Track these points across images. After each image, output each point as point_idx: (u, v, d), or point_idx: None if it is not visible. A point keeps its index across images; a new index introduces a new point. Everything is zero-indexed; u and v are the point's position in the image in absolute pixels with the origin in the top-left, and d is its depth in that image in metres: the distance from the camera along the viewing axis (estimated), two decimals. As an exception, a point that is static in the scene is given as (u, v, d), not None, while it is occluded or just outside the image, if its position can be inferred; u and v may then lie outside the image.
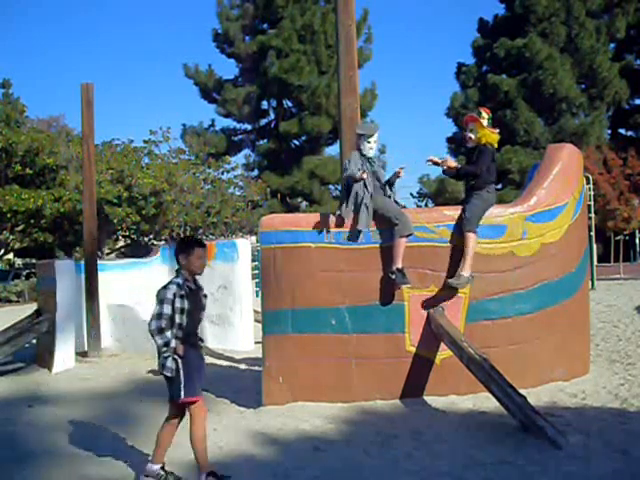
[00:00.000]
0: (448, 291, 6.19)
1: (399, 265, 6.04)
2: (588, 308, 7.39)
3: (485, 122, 6.40)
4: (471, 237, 6.09)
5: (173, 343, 4.16)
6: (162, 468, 4.41)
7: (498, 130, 6.53)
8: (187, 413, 4.36)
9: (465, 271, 6.05)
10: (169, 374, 4.17)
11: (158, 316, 4.16)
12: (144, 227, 24.97)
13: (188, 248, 4.36)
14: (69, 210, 22.90)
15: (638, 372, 6.89)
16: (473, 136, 6.41)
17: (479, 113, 6.46)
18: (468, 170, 6.39)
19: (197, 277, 4.48)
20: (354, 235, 6.20)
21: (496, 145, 6.54)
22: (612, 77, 33.86)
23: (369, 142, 6.28)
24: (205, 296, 4.58)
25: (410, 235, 6.06)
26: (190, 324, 4.29)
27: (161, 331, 4.14)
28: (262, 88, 33.92)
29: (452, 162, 6.56)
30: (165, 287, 4.25)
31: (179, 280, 4.29)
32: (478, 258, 6.19)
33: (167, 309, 4.16)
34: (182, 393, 4.19)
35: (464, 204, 6.29)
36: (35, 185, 24.43)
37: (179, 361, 4.18)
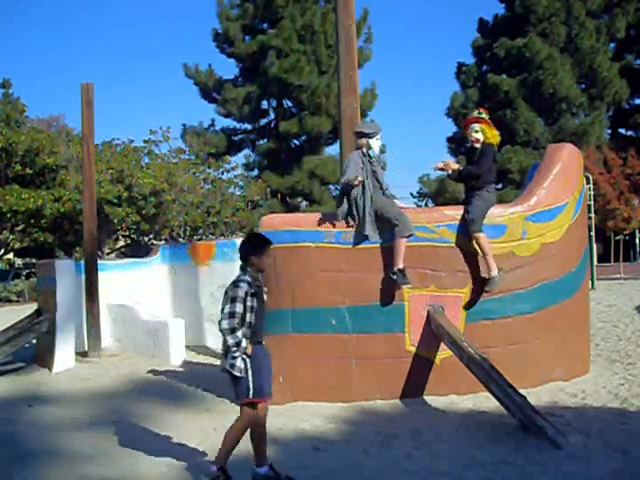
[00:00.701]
0: (449, 291, 6.20)
1: (400, 266, 6.04)
2: (588, 308, 7.39)
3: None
4: (481, 237, 6.11)
5: (244, 343, 4.10)
6: (220, 469, 4.30)
7: (498, 132, 6.55)
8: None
9: (493, 271, 6.08)
10: (238, 374, 4.11)
11: (231, 315, 4.08)
12: (144, 227, 24.95)
13: (261, 247, 4.31)
14: (69, 210, 22.89)
15: (638, 372, 6.89)
16: (481, 137, 6.40)
17: (481, 114, 6.45)
18: (470, 171, 6.38)
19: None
20: (360, 239, 6.20)
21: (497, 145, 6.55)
22: (612, 77, 33.83)
23: (378, 139, 6.31)
24: (266, 293, 4.49)
25: (411, 236, 6.07)
26: (257, 322, 4.24)
27: (233, 330, 4.08)
28: (262, 88, 33.88)
29: (454, 164, 6.56)
30: (236, 285, 4.16)
31: (248, 278, 4.21)
32: (479, 258, 6.20)
33: (239, 308, 4.09)
34: (250, 393, 4.13)
35: (465, 205, 6.29)
36: (35, 185, 24.41)
37: (247, 361, 4.13)
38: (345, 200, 6.26)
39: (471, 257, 6.26)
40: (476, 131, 6.41)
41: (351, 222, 6.22)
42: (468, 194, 6.36)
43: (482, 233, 6.11)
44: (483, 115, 6.43)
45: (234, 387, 4.23)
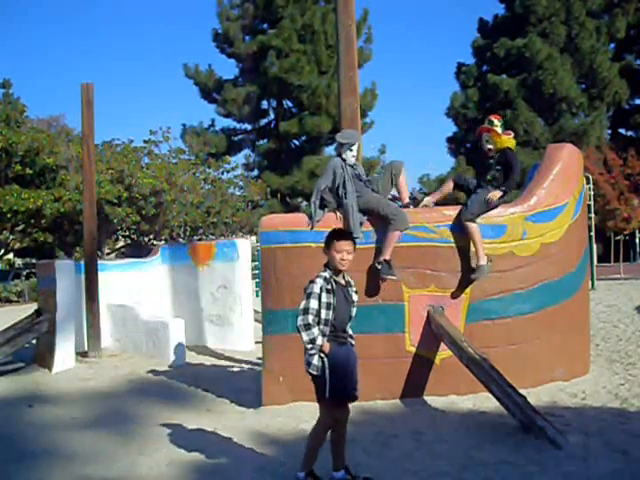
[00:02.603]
0: (449, 291, 6.20)
1: (387, 256, 6.01)
2: (588, 308, 7.39)
3: (499, 129, 6.41)
4: (471, 226, 6.08)
5: (319, 340, 3.97)
6: (308, 474, 4.23)
7: (513, 134, 6.53)
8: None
9: (481, 260, 6.07)
10: (314, 372, 4.00)
11: (304, 311, 3.97)
12: (144, 227, 24.95)
13: (328, 241, 4.19)
14: (69, 210, 22.89)
15: (638, 372, 6.89)
16: (492, 146, 6.40)
17: (491, 122, 6.45)
18: (512, 185, 6.31)
19: (344, 271, 4.24)
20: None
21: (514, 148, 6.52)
22: (612, 77, 33.85)
23: (351, 150, 6.27)
24: (356, 292, 4.35)
25: (406, 229, 6.05)
26: (337, 320, 4.09)
27: (308, 327, 3.94)
28: (262, 88, 33.89)
29: (497, 193, 6.27)
30: (312, 281, 4.07)
31: (325, 274, 4.09)
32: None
33: (314, 304, 3.97)
34: (327, 393, 3.99)
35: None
36: (35, 185, 24.41)
37: (325, 359, 4.00)
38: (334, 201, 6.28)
39: (471, 257, 6.25)
40: (486, 141, 6.41)
41: (317, 223, 6.18)
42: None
43: (474, 223, 6.07)
44: (494, 122, 6.42)
45: (315, 388, 4.11)
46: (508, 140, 6.41)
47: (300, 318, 3.97)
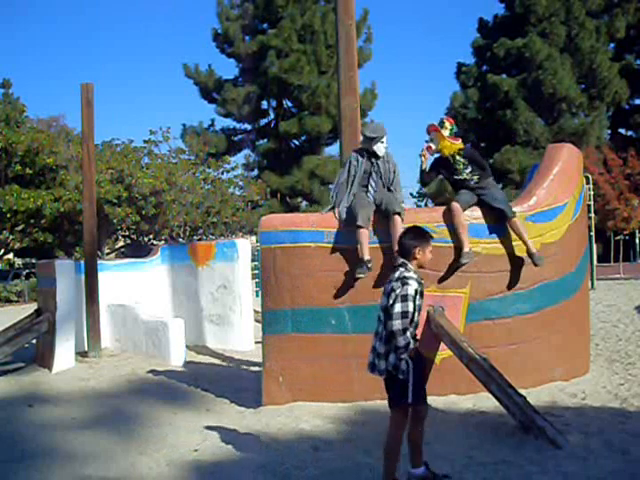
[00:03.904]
0: (449, 291, 6.20)
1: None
2: (588, 308, 7.39)
3: (447, 132, 6.37)
4: (454, 206, 6.14)
5: (412, 344, 3.92)
6: (427, 467, 4.18)
7: (460, 140, 6.50)
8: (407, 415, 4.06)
9: (466, 247, 6.11)
10: (402, 376, 3.92)
11: (404, 315, 3.85)
12: (144, 227, 24.96)
13: (427, 240, 4.13)
14: (69, 210, 22.89)
15: (638, 372, 6.89)
16: (434, 146, 6.43)
17: (441, 123, 6.43)
18: (491, 182, 6.45)
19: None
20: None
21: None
22: (612, 77, 33.84)
23: (382, 142, 6.35)
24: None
25: (399, 213, 6.06)
26: (418, 322, 4.04)
27: (405, 331, 3.86)
28: (262, 88, 33.90)
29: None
30: (405, 283, 3.92)
31: (415, 275, 3.99)
32: (479, 258, 6.19)
33: (411, 307, 3.88)
34: (409, 397, 3.94)
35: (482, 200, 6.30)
36: (35, 185, 24.40)
37: (410, 363, 3.94)
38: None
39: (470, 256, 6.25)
40: (431, 139, 6.44)
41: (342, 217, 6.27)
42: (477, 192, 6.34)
43: (456, 202, 6.16)
44: (445, 125, 6.39)
45: (391, 390, 4.05)
46: (451, 146, 6.36)
47: (399, 322, 3.85)
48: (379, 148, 6.34)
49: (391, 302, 3.92)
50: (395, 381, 3.97)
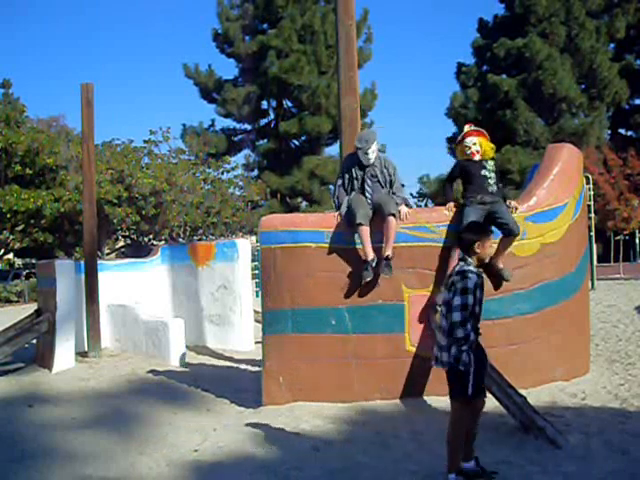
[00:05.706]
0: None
1: (389, 253, 6.03)
2: (588, 308, 7.39)
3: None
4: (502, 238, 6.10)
5: (473, 336, 3.99)
6: (459, 472, 4.18)
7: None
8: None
9: (500, 263, 6.10)
10: (463, 368, 3.97)
11: (463, 307, 3.96)
12: (144, 227, 24.97)
13: (486, 235, 4.21)
14: (69, 210, 22.90)
15: (638, 372, 6.89)
16: (479, 151, 6.38)
17: (478, 127, 6.49)
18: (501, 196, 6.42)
19: None
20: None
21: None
22: (612, 77, 33.83)
23: (367, 154, 6.33)
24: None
25: (393, 215, 6.03)
26: (479, 316, 4.11)
27: (464, 323, 3.94)
28: (262, 88, 33.90)
29: (513, 203, 6.38)
30: (465, 276, 4.01)
31: (475, 269, 4.08)
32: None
33: (470, 300, 3.97)
34: (469, 390, 3.99)
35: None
36: (35, 185, 24.41)
37: (472, 355, 3.99)
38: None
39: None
40: (474, 144, 6.37)
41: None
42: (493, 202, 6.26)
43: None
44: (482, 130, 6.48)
45: (452, 382, 4.10)
46: (492, 149, 6.43)
47: (458, 314, 3.95)
48: (364, 158, 6.35)
49: (451, 295, 4.03)
50: (456, 373, 4.03)
